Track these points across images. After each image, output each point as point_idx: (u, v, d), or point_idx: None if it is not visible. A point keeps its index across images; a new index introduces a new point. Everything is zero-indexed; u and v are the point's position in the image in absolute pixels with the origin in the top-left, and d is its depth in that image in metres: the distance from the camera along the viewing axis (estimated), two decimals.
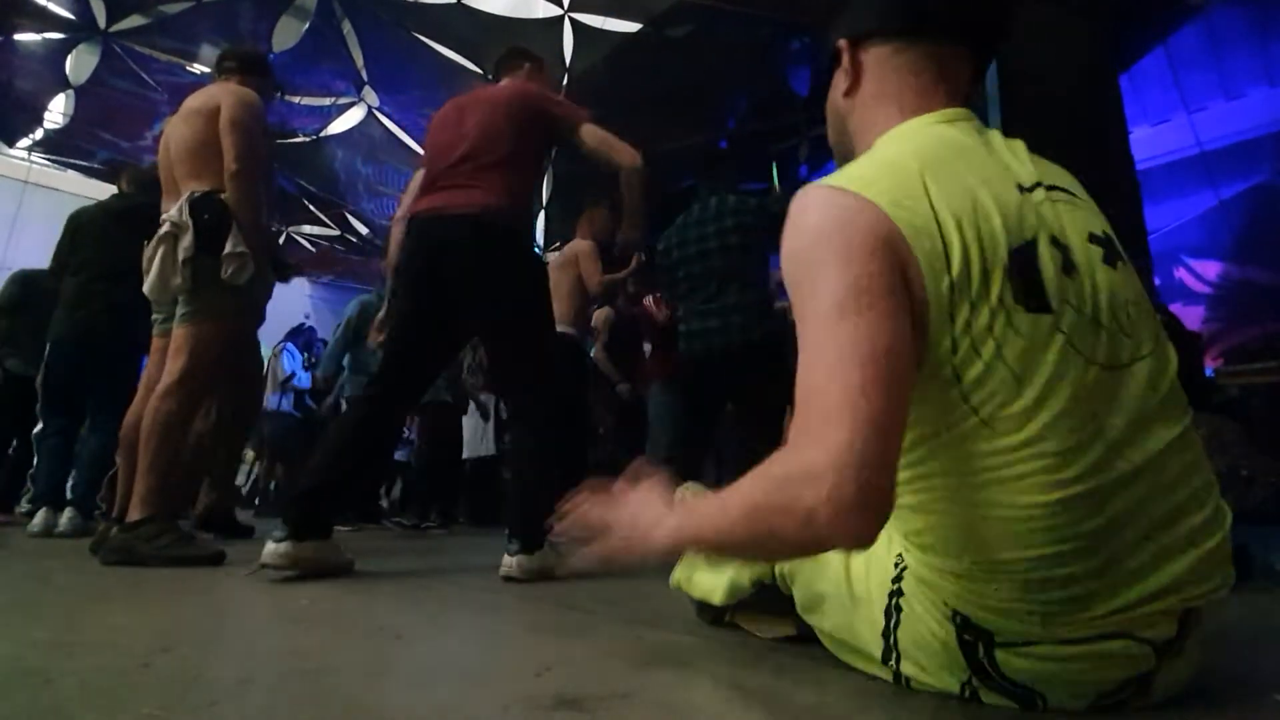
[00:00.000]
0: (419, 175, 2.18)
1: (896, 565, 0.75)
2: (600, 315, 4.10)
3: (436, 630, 1.17)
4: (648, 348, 3.58)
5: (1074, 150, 2.68)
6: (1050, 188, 0.71)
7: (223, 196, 2.11)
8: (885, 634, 0.75)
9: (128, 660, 0.86)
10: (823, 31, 0.87)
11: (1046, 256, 0.65)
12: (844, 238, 0.62)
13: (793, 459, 0.59)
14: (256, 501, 6.18)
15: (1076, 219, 0.70)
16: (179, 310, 2.11)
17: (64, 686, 0.76)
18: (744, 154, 5.50)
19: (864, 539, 0.58)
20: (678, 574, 1.11)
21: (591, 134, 1.92)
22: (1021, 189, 0.69)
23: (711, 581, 1.01)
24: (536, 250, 2.09)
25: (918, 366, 0.63)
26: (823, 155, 5.76)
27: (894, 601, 0.74)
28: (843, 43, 0.80)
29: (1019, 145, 0.75)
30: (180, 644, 0.97)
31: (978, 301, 0.63)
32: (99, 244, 3.20)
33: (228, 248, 2.07)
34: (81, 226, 3.26)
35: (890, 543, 0.76)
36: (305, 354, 6.39)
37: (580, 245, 3.35)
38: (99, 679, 0.79)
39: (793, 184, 6.19)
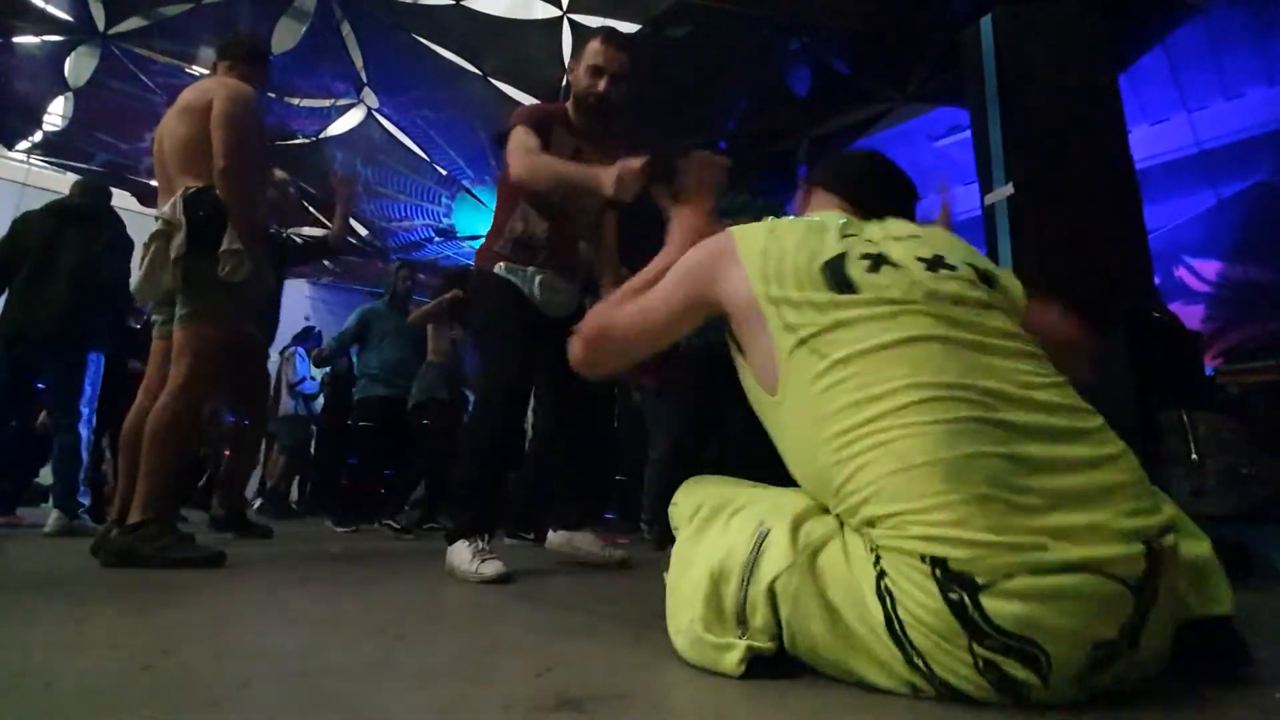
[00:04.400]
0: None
1: (873, 551, 0.77)
2: None
3: (437, 631, 1.17)
4: None
5: (1073, 149, 2.69)
6: (893, 238, 0.99)
7: (217, 193, 2.08)
8: (889, 624, 0.75)
9: (128, 662, 0.86)
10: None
11: (853, 263, 0.93)
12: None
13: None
14: (264, 503, 6.19)
15: (908, 247, 0.96)
16: (178, 312, 2.09)
17: (64, 688, 0.76)
18: (743, 154, 5.51)
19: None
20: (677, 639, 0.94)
21: None
22: (843, 236, 0.99)
23: (715, 654, 0.86)
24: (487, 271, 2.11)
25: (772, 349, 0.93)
26: (822, 155, 5.76)
27: (882, 585, 0.75)
28: (803, 180, 1.26)
29: (884, 224, 1.04)
30: (181, 646, 0.97)
31: (800, 298, 0.92)
32: (49, 247, 3.32)
33: (224, 244, 2.03)
34: (25, 228, 3.36)
35: (864, 542, 0.79)
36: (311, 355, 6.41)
37: None
38: (99, 681, 0.79)
39: (792, 183, 6.19)
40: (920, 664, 0.74)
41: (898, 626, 0.74)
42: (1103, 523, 0.72)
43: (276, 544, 2.92)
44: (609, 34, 2.13)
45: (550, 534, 2.24)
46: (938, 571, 0.71)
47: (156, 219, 2.11)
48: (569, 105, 2.15)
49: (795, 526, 0.85)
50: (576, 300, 2.18)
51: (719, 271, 1.01)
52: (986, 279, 0.95)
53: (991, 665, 0.71)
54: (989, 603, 0.69)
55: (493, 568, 1.74)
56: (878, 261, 0.93)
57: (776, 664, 0.83)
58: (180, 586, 1.56)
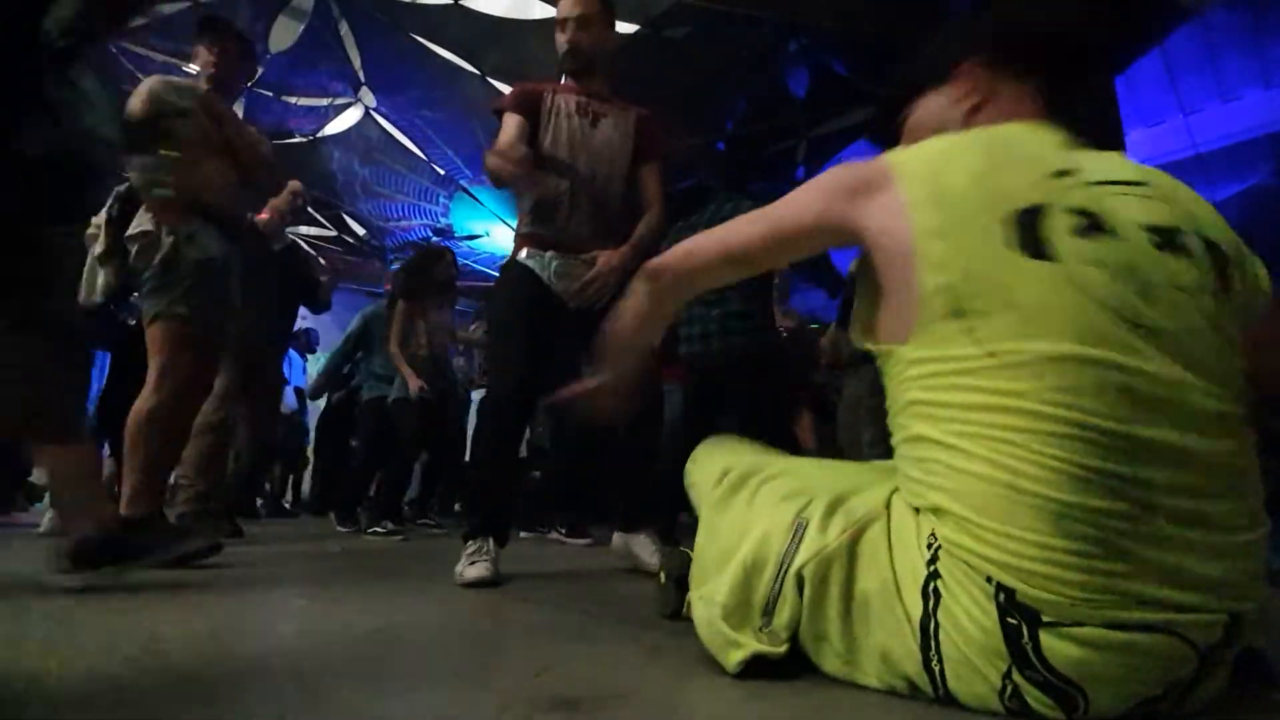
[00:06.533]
0: None
1: (929, 547, 0.71)
2: None
3: (434, 631, 1.17)
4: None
5: None
6: (1104, 182, 0.75)
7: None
8: (924, 623, 0.70)
9: (123, 663, 0.86)
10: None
11: (1057, 218, 0.71)
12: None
13: None
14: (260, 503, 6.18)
15: (1137, 204, 0.74)
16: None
17: (59, 689, 0.75)
18: (742, 155, 5.51)
19: None
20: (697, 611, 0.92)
21: None
22: (1053, 175, 0.75)
23: (724, 646, 0.84)
24: (517, 261, 1.96)
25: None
26: (820, 156, 5.76)
27: (931, 585, 0.70)
28: (963, 59, 0.90)
29: (1105, 158, 0.81)
30: (176, 645, 0.97)
31: (971, 245, 0.72)
32: None
33: (131, 229, 1.98)
34: None
35: (919, 530, 0.74)
36: (307, 356, 6.40)
37: None
38: (94, 681, 0.78)
39: (790, 185, 6.20)
40: (936, 669, 0.71)
41: (932, 628, 0.70)
42: (1200, 603, 0.64)
43: (275, 544, 2.91)
44: None
45: (614, 537, 2.10)
46: (1001, 597, 0.66)
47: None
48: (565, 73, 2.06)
49: (833, 508, 0.80)
50: (591, 290, 1.92)
51: (869, 193, 0.79)
52: (1222, 267, 0.73)
53: (1018, 694, 0.67)
54: (1047, 639, 0.64)
55: (474, 571, 1.65)
56: (1094, 224, 0.71)
57: (778, 664, 0.82)
58: (176, 586, 1.55)
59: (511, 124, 1.91)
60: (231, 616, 1.27)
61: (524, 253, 1.94)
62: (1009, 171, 0.75)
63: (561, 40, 1.99)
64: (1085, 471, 0.64)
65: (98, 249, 2.05)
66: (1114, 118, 2.91)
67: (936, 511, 0.72)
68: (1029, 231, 0.71)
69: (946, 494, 0.71)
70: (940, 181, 0.75)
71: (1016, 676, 0.66)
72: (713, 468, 1.02)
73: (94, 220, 2.11)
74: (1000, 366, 0.68)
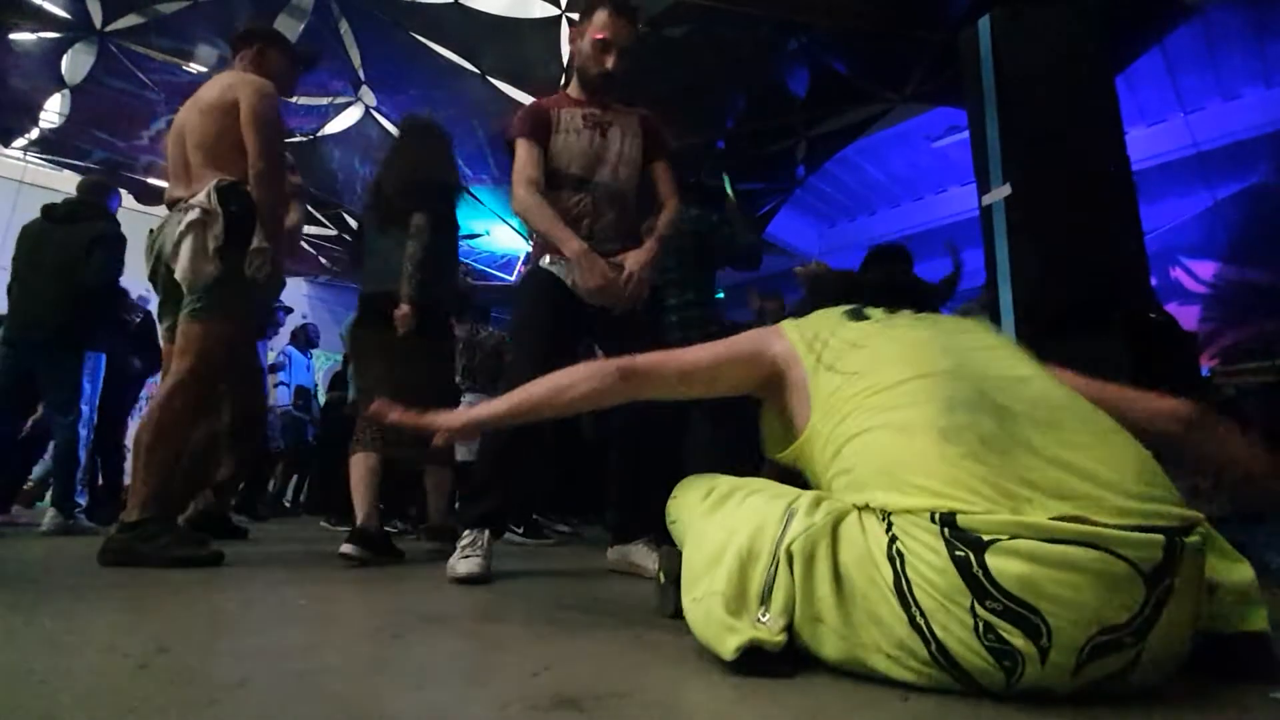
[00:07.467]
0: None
1: (884, 519, 0.81)
2: None
3: (434, 630, 1.17)
4: None
5: (1070, 150, 2.69)
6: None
7: (247, 189, 2.09)
8: (897, 584, 0.77)
9: (125, 661, 0.86)
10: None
11: (870, 309, 1.17)
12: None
13: None
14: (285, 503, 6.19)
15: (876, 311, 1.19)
16: (187, 304, 2.05)
17: (61, 687, 0.76)
18: (741, 154, 5.51)
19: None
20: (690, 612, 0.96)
21: None
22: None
23: (720, 634, 0.86)
24: (532, 270, 2.01)
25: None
26: (820, 155, 5.76)
27: (894, 548, 0.79)
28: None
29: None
30: (178, 644, 0.97)
31: (826, 334, 1.12)
32: (37, 248, 3.39)
33: (254, 242, 2.05)
34: (23, 234, 3.45)
35: (877, 519, 0.82)
36: (310, 352, 6.42)
37: None
38: (96, 680, 0.79)
39: (789, 184, 6.19)
40: (922, 623, 0.76)
41: (905, 586, 0.77)
42: (1107, 498, 0.73)
43: (275, 544, 2.92)
44: (618, 5, 1.99)
45: (610, 550, 2.10)
46: (946, 530, 0.74)
47: (180, 207, 2.08)
48: (573, 80, 2.10)
49: (818, 500, 0.90)
50: (630, 291, 1.92)
51: (773, 338, 1.19)
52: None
53: (991, 629, 0.72)
54: (993, 560, 0.71)
55: (466, 566, 1.68)
56: (894, 311, 1.17)
57: (774, 661, 0.83)
58: (177, 585, 1.56)
59: (528, 154, 1.95)
60: (232, 615, 1.27)
61: (547, 258, 1.97)
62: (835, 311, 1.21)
63: (600, 60, 2.00)
64: (950, 399, 0.87)
65: (215, 240, 2.02)
66: (1114, 118, 2.92)
67: (876, 494, 0.84)
68: (857, 313, 1.15)
69: (874, 470, 0.87)
70: (803, 324, 1.18)
71: (980, 610, 0.72)
72: (695, 494, 1.12)
73: (200, 203, 2.04)
74: (859, 375, 0.98)
